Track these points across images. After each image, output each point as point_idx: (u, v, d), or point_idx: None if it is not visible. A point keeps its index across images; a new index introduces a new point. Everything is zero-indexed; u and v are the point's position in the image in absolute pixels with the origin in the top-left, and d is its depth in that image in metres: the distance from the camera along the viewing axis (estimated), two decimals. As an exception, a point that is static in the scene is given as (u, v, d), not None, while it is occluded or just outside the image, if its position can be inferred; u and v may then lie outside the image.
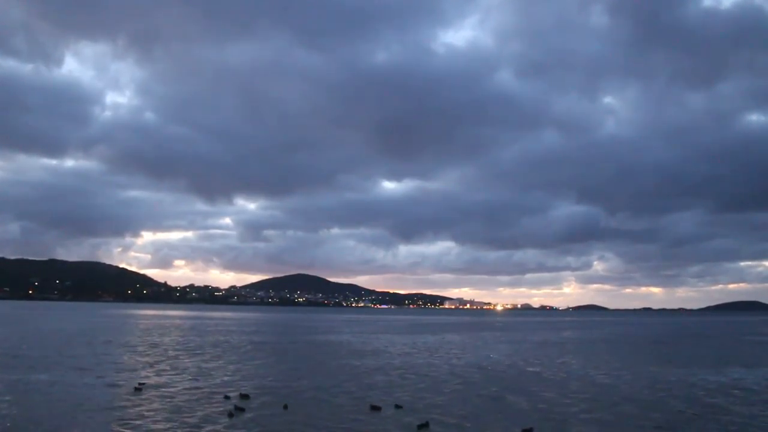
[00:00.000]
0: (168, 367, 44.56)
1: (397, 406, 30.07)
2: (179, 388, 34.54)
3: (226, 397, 31.69)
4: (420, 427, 25.41)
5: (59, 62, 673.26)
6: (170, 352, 57.76)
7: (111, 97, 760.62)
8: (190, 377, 39.49)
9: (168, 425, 25.17)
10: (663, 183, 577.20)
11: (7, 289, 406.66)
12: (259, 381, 38.51)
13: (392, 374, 43.38)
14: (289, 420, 26.84)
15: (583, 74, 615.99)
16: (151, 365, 45.77)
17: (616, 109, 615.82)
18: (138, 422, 25.56)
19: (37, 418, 25.98)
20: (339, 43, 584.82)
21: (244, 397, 31.90)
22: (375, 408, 29.50)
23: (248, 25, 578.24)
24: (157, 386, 35.04)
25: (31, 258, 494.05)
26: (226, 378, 39.56)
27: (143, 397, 31.58)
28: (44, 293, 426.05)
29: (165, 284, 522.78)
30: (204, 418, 26.55)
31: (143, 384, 35.14)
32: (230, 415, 27.21)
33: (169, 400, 30.86)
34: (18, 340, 68.03)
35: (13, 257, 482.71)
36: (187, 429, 24.70)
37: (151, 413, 27.40)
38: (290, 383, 37.74)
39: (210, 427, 25.12)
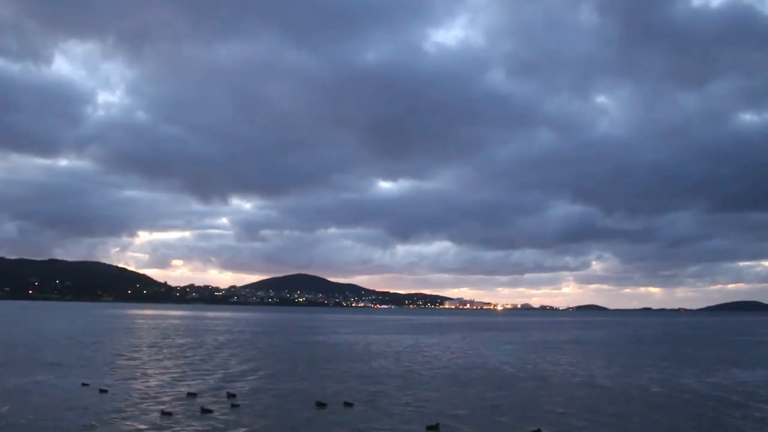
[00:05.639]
0: (142, 368, 45.45)
1: (347, 404, 30.66)
2: (144, 388, 35.49)
3: (189, 395, 32.70)
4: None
5: (48, 61, 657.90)
6: (148, 352, 58.69)
7: (102, 97, 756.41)
8: (158, 378, 40.43)
9: (120, 426, 26.05)
10: (658, 183, 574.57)
11: (7, 289, 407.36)
12: (220, 381, 39.39)
13: (373, 374, 44.00)
14: (232, 420, 27.49)
15: (574, 73, 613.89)
16: (126, 366, 46.68)
17: (609, 109, 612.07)
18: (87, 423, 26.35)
19: (9, 419, 26.77)
20: (329, 43, 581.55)
21: (192, 395, 32.80)
22: (320, 405, 29.99)
23: (238, 25, 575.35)
24: (125, 388, 35.80)
25: (30, 258, 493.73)
26: (189, 378, 40.42)
27: (107, 397, 32.49)
28: (44, 293, 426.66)
29: (165, 284, 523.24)
30: (143, 419, 27.38)
31: (109, 385, 35.81)
32: (164, 414, 27.89)
33: (129, 399, 31.74)
34: (11, 341, 68.64)
35: (12, 257, 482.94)
36: (129, 428, 25.66)
37: (103, 414, 28.29)
38: (252, 384, 38.62)
39: (147, 427, 25.97)
